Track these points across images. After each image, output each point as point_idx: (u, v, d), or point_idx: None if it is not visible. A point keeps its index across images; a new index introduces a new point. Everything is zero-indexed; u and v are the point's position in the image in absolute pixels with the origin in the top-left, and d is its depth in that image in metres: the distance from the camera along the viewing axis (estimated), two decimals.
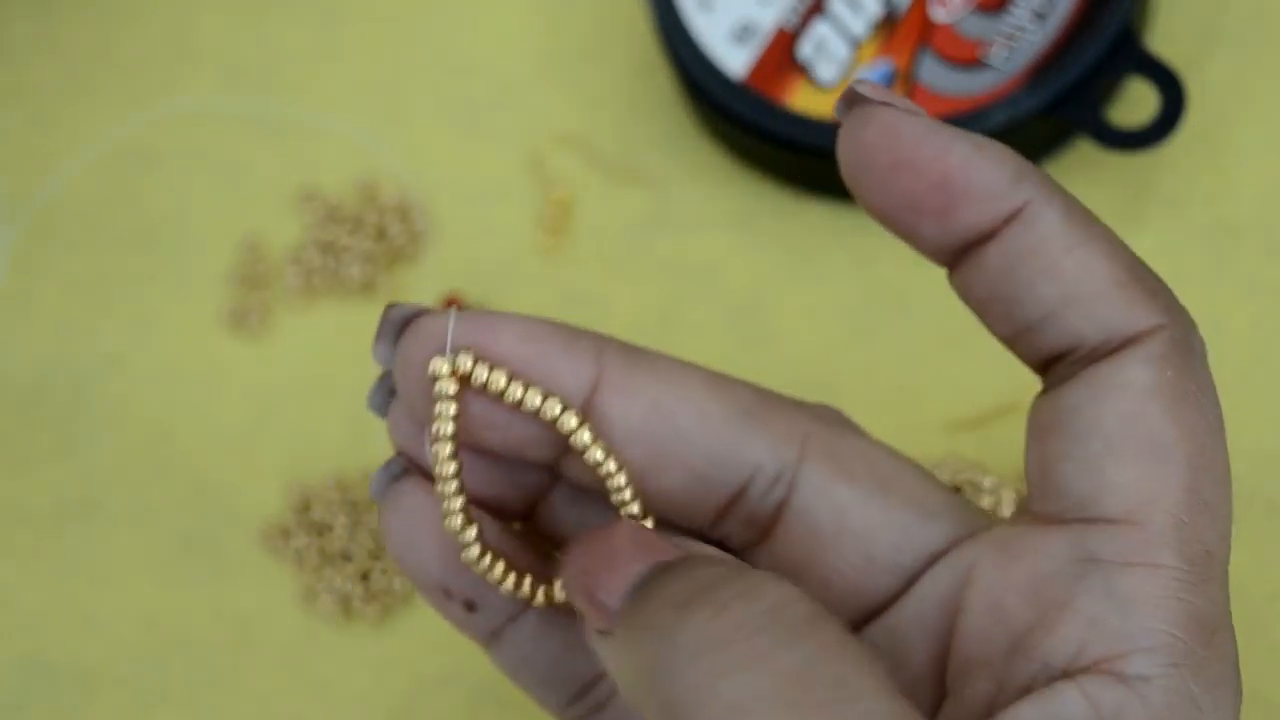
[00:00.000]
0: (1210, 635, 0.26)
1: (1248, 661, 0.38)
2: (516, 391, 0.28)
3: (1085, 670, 0.26)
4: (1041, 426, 0.28)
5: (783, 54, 0.45)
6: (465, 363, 0.28)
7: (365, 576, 0.43)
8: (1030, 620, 0.27)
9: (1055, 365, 0.28)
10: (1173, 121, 0.42)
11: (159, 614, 0.44)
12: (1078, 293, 0.27)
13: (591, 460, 0.28)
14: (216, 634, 0.44)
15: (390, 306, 0.29)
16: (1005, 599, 0.27)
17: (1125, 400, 0.26)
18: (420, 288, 0.47)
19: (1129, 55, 0.42)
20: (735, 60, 0.45)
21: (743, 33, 0.45)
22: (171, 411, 0.46)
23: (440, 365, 0.28)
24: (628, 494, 0.28)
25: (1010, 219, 0.27)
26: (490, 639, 0.30)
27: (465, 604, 0.29)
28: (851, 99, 0.28)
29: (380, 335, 0.29)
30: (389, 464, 0.30)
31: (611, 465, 0.28)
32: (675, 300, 0.45)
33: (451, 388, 0.28)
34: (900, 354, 0.43)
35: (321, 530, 0.44)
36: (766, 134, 0.44)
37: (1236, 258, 0.43)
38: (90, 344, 0.48)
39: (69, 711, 0.44)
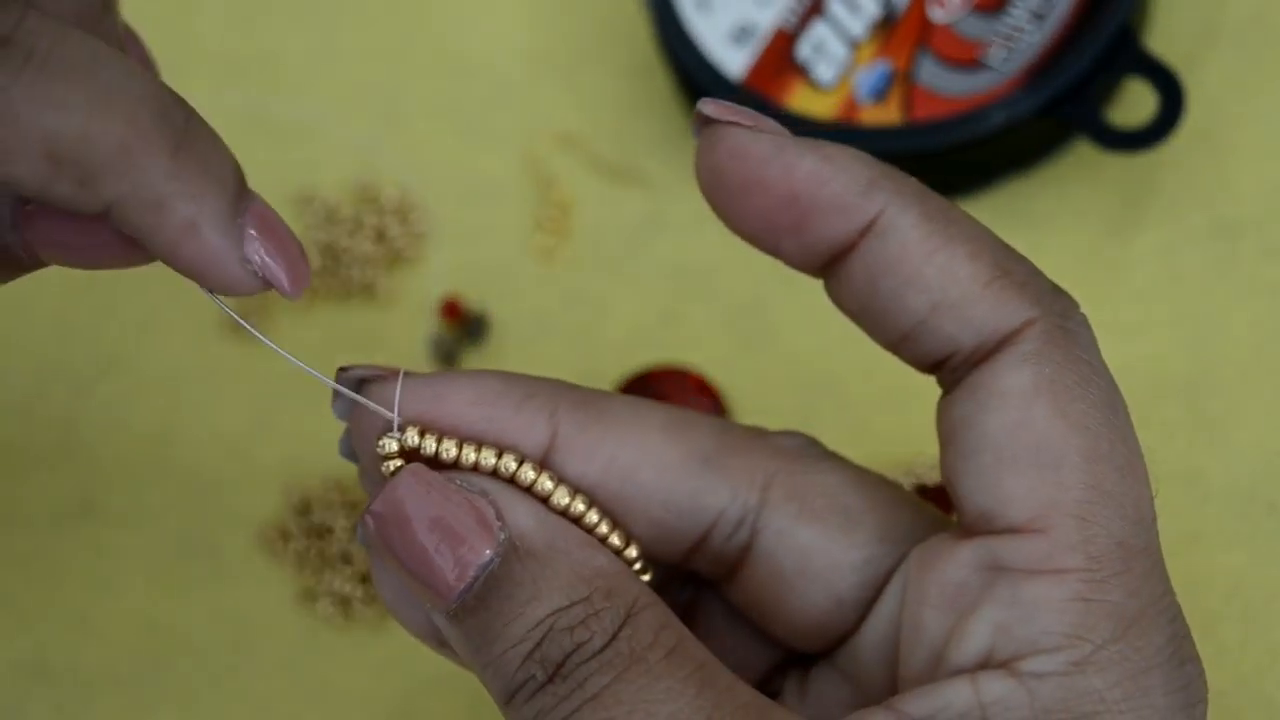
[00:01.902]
0: (1127, 628, 0.26)
1: (1247, 661, 0.38)
2: (470, 456, 0.28)
3: (985, 668, 0.26)
4: (942, 439, 0.28)
5: (781, 55, 0.45)
6: (413, 437, 0.28)
7: (365, 579, 0.43)
8: (946, 630, 0.27)
9: (939, 370, 0.28)
10: (1171, 122, 0.42)
11: (158, 617, 0.44)
12: (945, 299, 0.26)
13: (559, 504, 0.28)
14: (216, 636, 0.44)
15: (342, 369, 0.29)
16: (922, 612, 0.27)
17: (1008, 409, 0.26)
18: (420, 290, 0.47)
19: (1128, 55, 0.42)
20: (734, 61, 0.45)
21: (741, 34, 0.45)
22: (170, 414, 0.46)
23: (388, 444, 0.28)
24: (604, 528, 0.28)
25: (866, 230, 0.27)
26: None
27: None
28: (701, 120, 0.27)
29: (337, 394, 0.29)
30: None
31: (580, 505, 0.28)
32: (675, 300, 0.45)
33: (397, 463, 0.28)
34: None
35: (321, 532, 0.44)
36: None
37: (1236, 258, 0.43)
38: (89, 346, 0.48)
39: (68, 714, 0.43)
